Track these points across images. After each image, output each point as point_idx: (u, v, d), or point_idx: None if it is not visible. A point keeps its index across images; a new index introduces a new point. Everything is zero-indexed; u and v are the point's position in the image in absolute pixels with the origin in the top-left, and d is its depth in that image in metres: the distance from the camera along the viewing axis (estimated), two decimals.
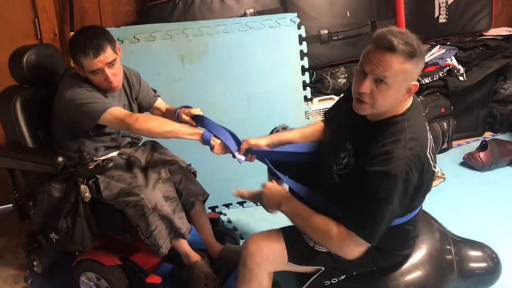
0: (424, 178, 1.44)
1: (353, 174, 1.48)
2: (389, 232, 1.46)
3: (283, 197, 1.60)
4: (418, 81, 3.42)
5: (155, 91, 2.16)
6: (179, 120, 1.99)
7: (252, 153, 1.83)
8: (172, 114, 2.02)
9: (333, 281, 1.62)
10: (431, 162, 1.45)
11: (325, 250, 1.57)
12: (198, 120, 1.94)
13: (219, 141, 1.80)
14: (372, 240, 1.41)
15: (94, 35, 1.79)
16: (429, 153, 1.44)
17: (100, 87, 1.86)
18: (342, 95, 1.88)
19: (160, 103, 2.15)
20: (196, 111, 1.97)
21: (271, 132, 2.03)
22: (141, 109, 2.13)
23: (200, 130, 1.81)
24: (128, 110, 2.01)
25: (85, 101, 1.79)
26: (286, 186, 1.75)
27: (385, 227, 1.41)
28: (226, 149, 1.82)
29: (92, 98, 1.80)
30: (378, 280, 1.65)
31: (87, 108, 1.79)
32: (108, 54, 1.79)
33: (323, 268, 1.58)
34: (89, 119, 1.80)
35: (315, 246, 1.57)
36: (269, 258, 1.56)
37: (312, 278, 1.61)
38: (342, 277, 1.63)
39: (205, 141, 1.79)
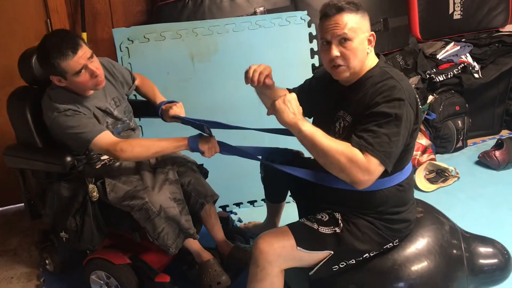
0: (418, 115, 1.53)
1: (353, 127, 1.52)
2: (384, 194, 1.58)
3: (301, 114, 1.50)
4: (432, 78, 3.37)
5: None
6: (162, 118, 2.00)
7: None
8: (148, 87, 2.06)
9: (341, 265, 1.61)
10: (419, 101, 1.56)
11: (329, 232, 1.59)
12: (179, 119, 1.94)
13: (206, 146, 1.78)
14: (388, 163, 1.44)
15: (63, 36, 1.73)
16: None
17: (86, 88, 1.81)
18: (304, 82, 1.89)
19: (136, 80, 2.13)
20: (176, 108, 1.96)
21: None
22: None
23: (185, 140, 1.78)
24: (120, 102, 1.99)
25: (71, 131, 1.76)
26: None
27: (396, 152, 1.46)
28: (215, 149, 1.81)
29: (77, 127, 1.76)
30: (387, 267, 1.64)
31: (74, 137, 1.77)
32: (85, 48, 1.73)
33: (332, 253, 1.59)
34: (77, 147, 1.81)
35: (319, 228, 1.59)
36: (280, 255, 1.56)
37: (320, 263, 1.59)
38: (352, 261, 1.62)
39: (192, 149, 1.78)
